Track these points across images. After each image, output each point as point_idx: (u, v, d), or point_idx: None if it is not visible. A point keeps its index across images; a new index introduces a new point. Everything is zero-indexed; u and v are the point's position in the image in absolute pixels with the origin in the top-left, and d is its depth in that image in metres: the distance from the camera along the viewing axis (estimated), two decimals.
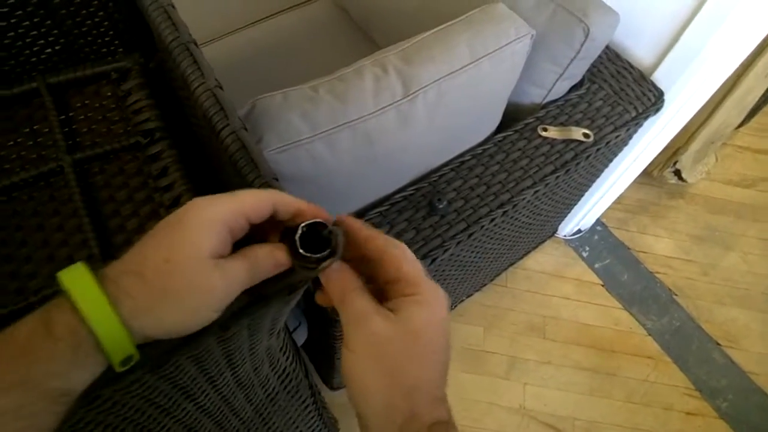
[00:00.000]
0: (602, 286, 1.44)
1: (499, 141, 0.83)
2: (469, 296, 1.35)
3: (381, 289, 0.33)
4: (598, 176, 1.16)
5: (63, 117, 0.70)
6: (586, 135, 0.84)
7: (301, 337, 0.86)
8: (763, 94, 1.38)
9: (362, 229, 0.34)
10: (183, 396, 0.43)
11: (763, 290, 1.46)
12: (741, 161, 1.72)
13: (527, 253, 1.42)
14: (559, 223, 1.42)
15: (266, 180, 0.37)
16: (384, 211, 0.76)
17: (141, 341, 0.29)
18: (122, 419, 0.38)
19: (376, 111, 0.67)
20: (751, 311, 1.42)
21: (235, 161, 0.38)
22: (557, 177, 0.80)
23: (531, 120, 0.86)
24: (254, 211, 0.31)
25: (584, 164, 0.85)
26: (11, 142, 0.68)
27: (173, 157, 0.65)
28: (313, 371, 1.14)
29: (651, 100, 0.91)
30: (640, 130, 1.01)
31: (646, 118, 0.91)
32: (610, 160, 1.09)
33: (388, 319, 0.30)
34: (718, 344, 1.35)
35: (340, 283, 0.32)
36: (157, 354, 0.33)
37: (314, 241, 0.31)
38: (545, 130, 0.85)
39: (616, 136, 0.86)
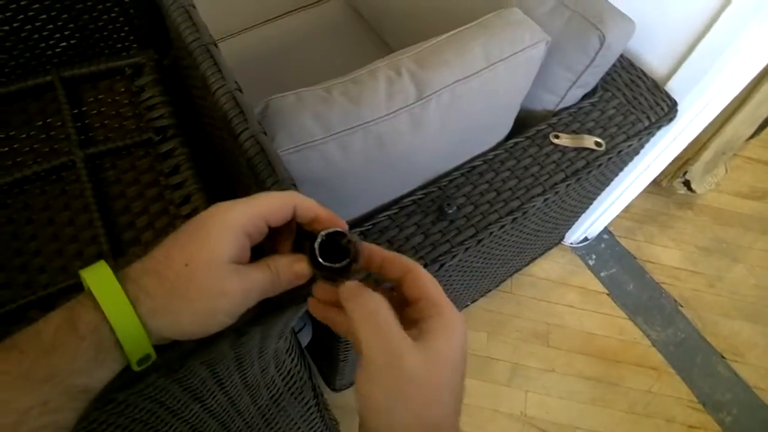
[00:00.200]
0: (607, 295, 1.43)
1: (511, 147, 0.83)
2: (473, 301, 1.34)
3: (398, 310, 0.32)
4: (607, 185, 1.15)
5: (76, 111, 0.70)
6: (598, 143, 0.84)
7: (305, 338, 0.86)
8: None
9: (380, 249, 0.34)
10: (191, 398, 0.42)
11: None
12: (751, 173, 1.71)
13: (533, 259, 1.42)
14: (567, 231, 1.41)
15: (284, 185, 0.37)
16: (393, 215, 0.75)
17: (158, 341, 0.29)
18: (132, 420, 0.38)
19: (388, 114, 0.66)
20: (758, 325, 1.41)
21: (254, 165, 0.38)
22: (568, 185, 0.80)
23: (543, 127, 0.86)
24: (274, 214, 0.31)
25: (595, 173, 0.85)
26: (24, 135, 0.68)
27: (185, 155, 0.65)
28: (316, 372, 1.14)
29: (664, 110, 0.91)
30: (652, 140, 1.00)
31: (659, 128, 0.90)
32: (621, 169, 1.09)
33: (419, 354, 0.28)
34: (723, 357, 1.35)
35: (371, 303, 0.30)
36: (173, 358, 0.33)
37: (332, 251, 0.31)
38: (557, 137, 0.84)
39: (629, 146, 0.86)
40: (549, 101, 0.88)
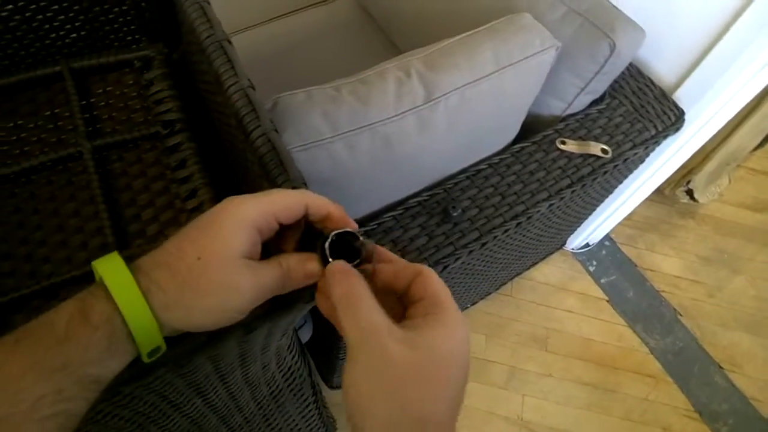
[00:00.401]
0: (607, 301, 1.43)
1: (517, 151, 0.83)
2: (473, 304, 1.35)
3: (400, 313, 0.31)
4: (611, 192, 1.15)
5: (84, 102, 0.70)
6: (604, 151, 0.84)
7: (306, 334, 0.86)
8: None
9: (388, 251, 0.33)
10: (194, 392, 0.43)
11: None
12: (754, 184, 1.71)
13: (534, 264, 1.42)
14: (568, 236, 1.42)
15: (295, 184, 0.37)
16: (398, 216, 0.75)
17: (169, 333, 0.29)
18: (135, 412, 0.38)
19: (396, 115, 0.66)
20: (757, 336, 1.41)
21: (265, 163, 0.38)
22: (573, 191, 0.80)
23: (550, 132, 0.86)
24: (285, 212, 0.31)
25: (600, 180, 0.85)
26: (31, 125, 0.68)
27: (192, 150, 0.65)
28: (314, 369, 1.14)
29: (671, 119, 0.91)
30: (657, 149, 1.00)
31: (665, 137, 0.90)
32: (625, 177, 1.09)
33: (406, 340, 0.27)
34: (721, 368, 1.35)
35: (346, 282, 0.29)
36: (180, 353, 0.33)
37: (342, 251, 0.31)
38: (563, 143, 0.84)
39: (635, 154, 0.86)
40: (556, 107, 0.88)
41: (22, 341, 0.26)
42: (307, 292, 0.34)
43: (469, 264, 0.88)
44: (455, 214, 0.74)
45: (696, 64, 0.90)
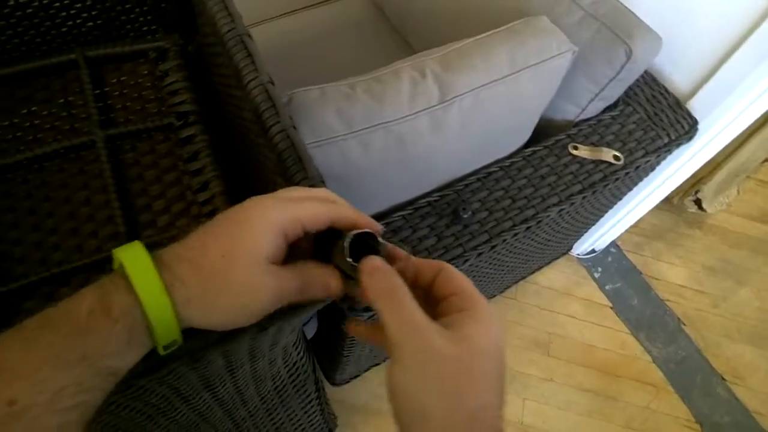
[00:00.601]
0: (611, 308, 1.43)
1: (529, 155, 0.83)
2: None
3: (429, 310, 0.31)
4: (620, 199, 1.15)
5: (98, 91, 0.70)
6: (616, 157, 0.83)
7: (310, 330, 0.86)
8: None
9: (399, 249, 0.33)
10: (204, 386, 0.43)
11: None
12: (763, 196, 1.70)
13: (540, 268, 1.41)
14: (575, 242, 1.41)
15: (313, 182, 0.37)
16: (407, 215, 0.75)
17: (184, 327, 0.29)
18: (145, 404, 0.38)
19: (410, 114, 0.66)
20: (760, 349, 1.40)
21: (283, 159, 0.38)
22: (584, 197, 0.79)
23: (562, 137, 0.85)
24: (313, 222, 0.31)
25: (611, 187, 0.84)
26: (45, 112, 0.68)
27: (205, 142, 0.65)
28: (317, 366, 1.14)
29: (684, 128, 0.90)
30: (669, 157, 1.00)
31: (677, 145, 0.90)
32: (635, 184, 1.08)
33: (447, 335, 0.27)
34: (724, 379, 1.34)
35: (386, 279, 0.28)
36: (195, 347, 0.33)
37: (360, 250, 0.31)
38: (576, 148, 0.84)
39: (646, 162, 0.85)
40: (570, 111, 0.88)
41: (41, 331, 0.26)
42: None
43: (476, 266, 0.87)
44: (465, 215, 0.74)
45: (711, 73, 0.89)
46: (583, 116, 0.88)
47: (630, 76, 0.82)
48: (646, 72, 0.96)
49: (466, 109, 0.69)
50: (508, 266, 1.05)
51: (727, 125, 0.93)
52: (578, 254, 1.48)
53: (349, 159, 0.66)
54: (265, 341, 0.40)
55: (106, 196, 0.62)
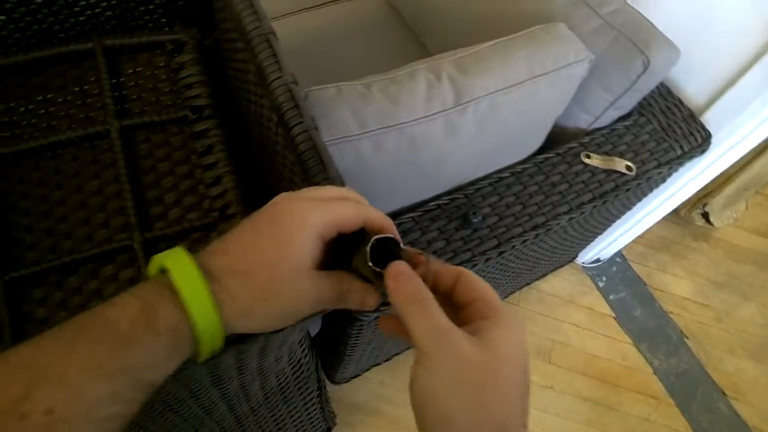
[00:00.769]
0: (614, 318, 1.42)
1: (540, 162, 0.82)
2: None
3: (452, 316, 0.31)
4: (630, 209, 1.14)
5: (114, 81, 0.70)
6: (628, 168, 0.83)
7: (314, 328, 0.85)
8: None
9: (416, 255, 0.33)
10: (212, 383, 0.43)
11: None
12: None
13: (544, 275, 1.41)
14: (581, 250, 1.41)
15: (334, 183, 0.37)
16: (417, 217, 0.75)
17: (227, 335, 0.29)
18: (159, 401, 0.38)
19: (425, 117, 0.66)
20: (762, 365, 1.39)
21: (304, 160, 0.38)
22: (594, 206, 0.79)
23: (575, 145, 0.85)
24: (347, 224, 0.31)
25: (622, 197, 0.84)
26: (60, 99, 0.68)
27: (219, 137, 0.65)
28: (319, 364, 1.14)
29: (698, 141, 0.90)
30: (680, 170, 0.99)
31: (690, 158, 0.89)
32: (645, 195, 1.08)
33: (475, 342, 0.27)
34: (724, 394, 1.33)
35: (412, 284, 0.28)
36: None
37: (380, 255, 0.31)
38: (588, 157, 0.83)
39: (658, 173, 0.85)
40: (583, 120, 0.87)
41: (79, 338, 0.25)
42: None
43: (484, 272, 0.87)
44: (475, 220, 0.74)
45: (727, 87, 0.89)
46: (596, 125, 0.88)
47: (646, 86, 0.82)
48: (661, 83, 0.95)
49: (481, 114, 0.69)
50: (514, 272, 1.05)
51: (740, 140, 0.93)
52: (583, 263, 1.47)
53: (361, 159, 0.65)
54: (277, 339, 0.40)
55: (118, 186, 0.62)
